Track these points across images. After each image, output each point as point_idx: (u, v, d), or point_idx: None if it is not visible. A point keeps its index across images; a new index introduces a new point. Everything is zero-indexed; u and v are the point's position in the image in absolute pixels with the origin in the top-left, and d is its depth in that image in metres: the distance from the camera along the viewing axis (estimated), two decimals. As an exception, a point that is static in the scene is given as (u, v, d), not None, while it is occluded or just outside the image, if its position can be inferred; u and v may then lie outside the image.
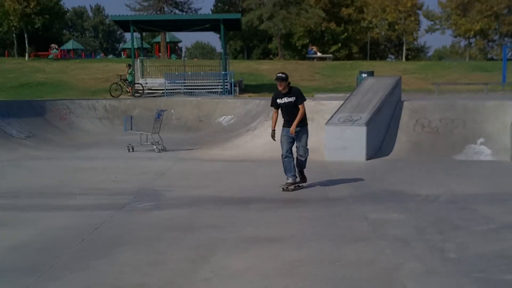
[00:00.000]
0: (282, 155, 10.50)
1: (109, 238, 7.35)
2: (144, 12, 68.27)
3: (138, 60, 34.60)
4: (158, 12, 67.36)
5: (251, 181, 11.69)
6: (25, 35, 52.22)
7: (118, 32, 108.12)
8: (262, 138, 16.18)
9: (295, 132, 10.33)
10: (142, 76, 33.62)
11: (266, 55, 72.00)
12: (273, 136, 10.64)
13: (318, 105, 16.82)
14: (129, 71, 31.29)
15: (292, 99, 10.29)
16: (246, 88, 34.60)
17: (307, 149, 10.56)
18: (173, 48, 70.10)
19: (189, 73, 34.07)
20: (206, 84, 32.20)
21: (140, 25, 35.52)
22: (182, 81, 32.25)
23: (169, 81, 31.60)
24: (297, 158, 10.60)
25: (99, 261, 6.40)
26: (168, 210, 9.08)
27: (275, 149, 14.88)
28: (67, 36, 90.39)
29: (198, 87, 31.75)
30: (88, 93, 32.63)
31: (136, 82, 31.73)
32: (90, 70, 40.21)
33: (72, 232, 7.68)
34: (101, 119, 24.80)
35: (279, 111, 10.54)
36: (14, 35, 57.62)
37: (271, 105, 10.63)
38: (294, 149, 10.60)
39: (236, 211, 8.93)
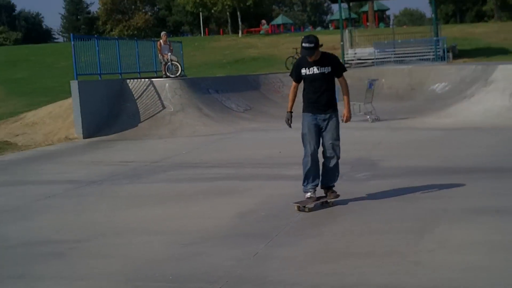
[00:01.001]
0: (306, 155, 7.36)
1: (331, 207, 7.45)
2: (351, -18, 67.91)
3: (346, 30, 34.58)
4: (365, -19, 66.64)
5: (472, 150, 11.17)
6: (238, 13, 54.63)
7: (325, 4, 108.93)
8: (481, 105, 15.41)
9: (325, 120, 7.35)
10: (351, 46, 33.57)
11: (480, 17, 68.21)
12: (289, 120, 7.54)
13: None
14: None
15: (325, 69, 7.26)
16: (460, 54, 33.08)
17: (339, 145, 7.47)
18: (381, 17, 69.06)
19: (399, 41, 33.39)
20: (417, 51, 31.36)
21: (347, -4, 35.42)
22: (391, 50, 31.75)
23: (378, 50, 31.25)
24: (324, 163, 7.50)
25: (325, 227, 6.53)
26: (386, 180, 8.98)
27: (497, 116, 14.12)
28: (276, 12, 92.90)
29: (408, 55, 31.02)
30: (299, 66, 33.31)
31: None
32: (300, 43, 41.02)
33: (294, 200, 7.86)
34: (313, 90, 25.16)
35: (302, 87, 7.53)
36: (227, 13, 60.56)
37: (291, 75, 7.64)
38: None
39: (458, 181, 8.54)
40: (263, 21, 60.92)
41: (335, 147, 7.37)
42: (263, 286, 4.93)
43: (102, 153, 13.94)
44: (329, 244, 5.97)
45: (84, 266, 5.70)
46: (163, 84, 18.89)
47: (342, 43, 32.46)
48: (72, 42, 17.52)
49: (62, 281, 5.31)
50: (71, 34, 18.94)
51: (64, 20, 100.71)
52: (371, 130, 14.77)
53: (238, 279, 5.10)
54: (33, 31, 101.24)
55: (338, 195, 7.53)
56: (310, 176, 7.36)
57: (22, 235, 6.96)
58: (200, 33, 70.37)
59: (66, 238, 6.71)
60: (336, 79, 7.47)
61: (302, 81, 7.46)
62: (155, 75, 21.86)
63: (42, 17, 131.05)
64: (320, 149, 7.41)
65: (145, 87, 18.71)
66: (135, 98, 18.45)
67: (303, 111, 7.43)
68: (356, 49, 33.33)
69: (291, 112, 7.51)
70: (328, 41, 37.22)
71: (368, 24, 59.41)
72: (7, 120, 19.93)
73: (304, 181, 7.42)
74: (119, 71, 20.03)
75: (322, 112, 7.33)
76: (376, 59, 30.56)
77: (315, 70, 7.27)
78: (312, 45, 7.09)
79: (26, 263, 5.88)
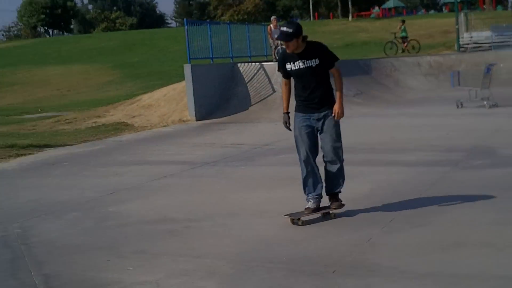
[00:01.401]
0: (299, 161, 6.47)
1: (445, 195, 7.21)
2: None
3: (462, 13, 33.42)
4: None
5: None
6: (349, -4, 53.99)
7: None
8: None
9: (319, 120, 6.34)
10: (467, 30, 32.40)
11: None
12: (287, 123, 6.51)
13: None
14: (402, 27, 30.53)
15: (312, 62, 6.16)
16: None
17: (341, 147, 6.53)
18: (499, -1, 66.09)
19: (519, 24, 31.85)
20: (539, 34, 29.80)
21: (464, -23, 34.13)
22: (510, 33, 30.32)
23: (496, 34, 29.93)
24: (325, 168, 6.54)
25: (438, 217, 6.34)
26: (505, 168, 8.60)
27: None
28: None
29: (529, 39, 29.55)
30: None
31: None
32: (412, 27, 39.97)
33: (407, 187, 7.75)
34: (426, 75, 24.61)
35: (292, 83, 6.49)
36: (338, -3, 60.00)
37: (278, 70, 6.55)
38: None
39: None
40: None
41: (337, 150, 6.41)
42: (376, 272, 4.87)
43: (214, 135, 14.25)
44: (445, 232, 5.79)
45: (200, 245, 5.85)
46: (274, 68, 18.98)
47: (457, 26, 31.32)
48: (186, 27, 17.98)
49: (180, 258, 5.48)
50: (185, 19, 19.43)
51: (177, 6, 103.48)
52: (489, 116, 14.22)
53: (352, 264, 5.07)
54: (147, 16, 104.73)
55: (343, 205, 6.57)
56: (308, 184, 6.49)
57: (141, 213, 7.23)
58: (310, 17, 70.14)
59: (182, 217, 6.91)
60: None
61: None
62: (265, 59, 22.01)
63: (156, 2, 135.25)
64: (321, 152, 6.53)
65: (255, 71, 18.91)
66: (246, 81, 18.69)
67: (295, 111, 6.46)
68: (472, 33, 32.11)
69: (287, 112, 6.49)
70: (442, 24, 36.26)
71: (484, 6, 56.96)
72: (124, 102, 20.76)
73: (304, 190, 6.56)
74: (231, 55, 20.33)
75: (316, 111, 6.32)
76: (493, 43, 29.30)
77: (300, 64, 6.20)
78: (290, 30, 6.04)
79: (146, 239, 6.11)
